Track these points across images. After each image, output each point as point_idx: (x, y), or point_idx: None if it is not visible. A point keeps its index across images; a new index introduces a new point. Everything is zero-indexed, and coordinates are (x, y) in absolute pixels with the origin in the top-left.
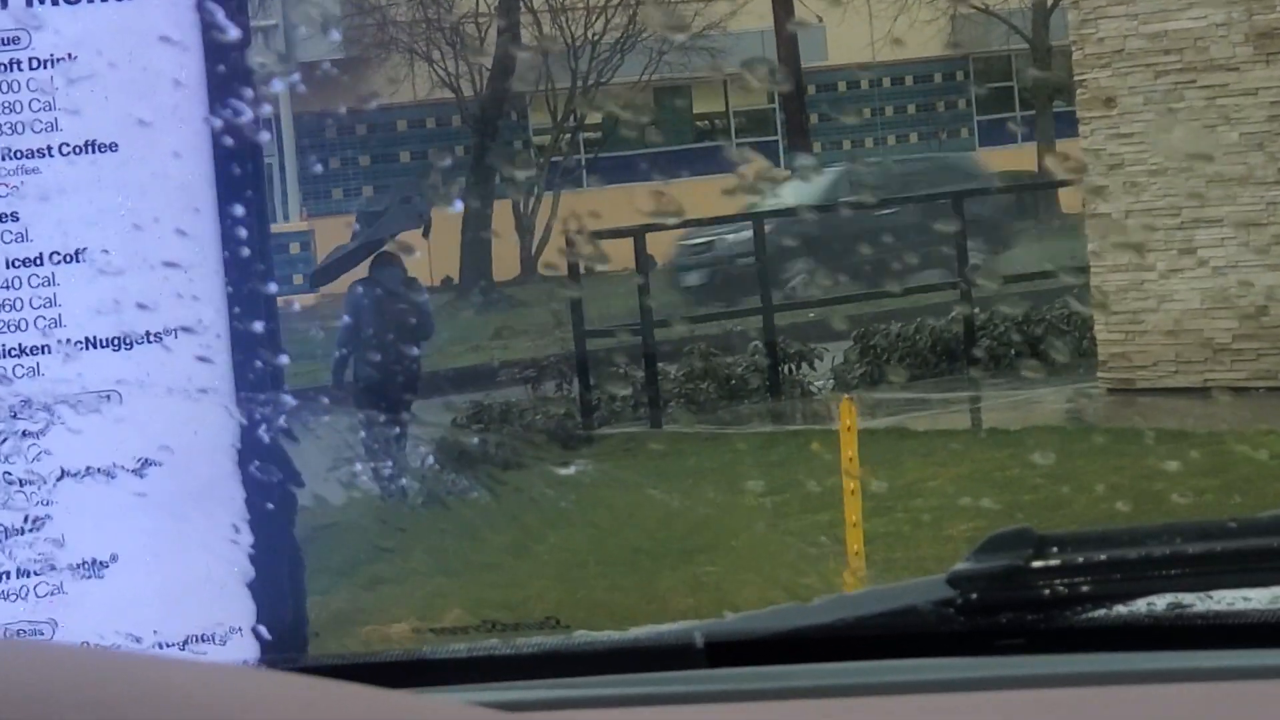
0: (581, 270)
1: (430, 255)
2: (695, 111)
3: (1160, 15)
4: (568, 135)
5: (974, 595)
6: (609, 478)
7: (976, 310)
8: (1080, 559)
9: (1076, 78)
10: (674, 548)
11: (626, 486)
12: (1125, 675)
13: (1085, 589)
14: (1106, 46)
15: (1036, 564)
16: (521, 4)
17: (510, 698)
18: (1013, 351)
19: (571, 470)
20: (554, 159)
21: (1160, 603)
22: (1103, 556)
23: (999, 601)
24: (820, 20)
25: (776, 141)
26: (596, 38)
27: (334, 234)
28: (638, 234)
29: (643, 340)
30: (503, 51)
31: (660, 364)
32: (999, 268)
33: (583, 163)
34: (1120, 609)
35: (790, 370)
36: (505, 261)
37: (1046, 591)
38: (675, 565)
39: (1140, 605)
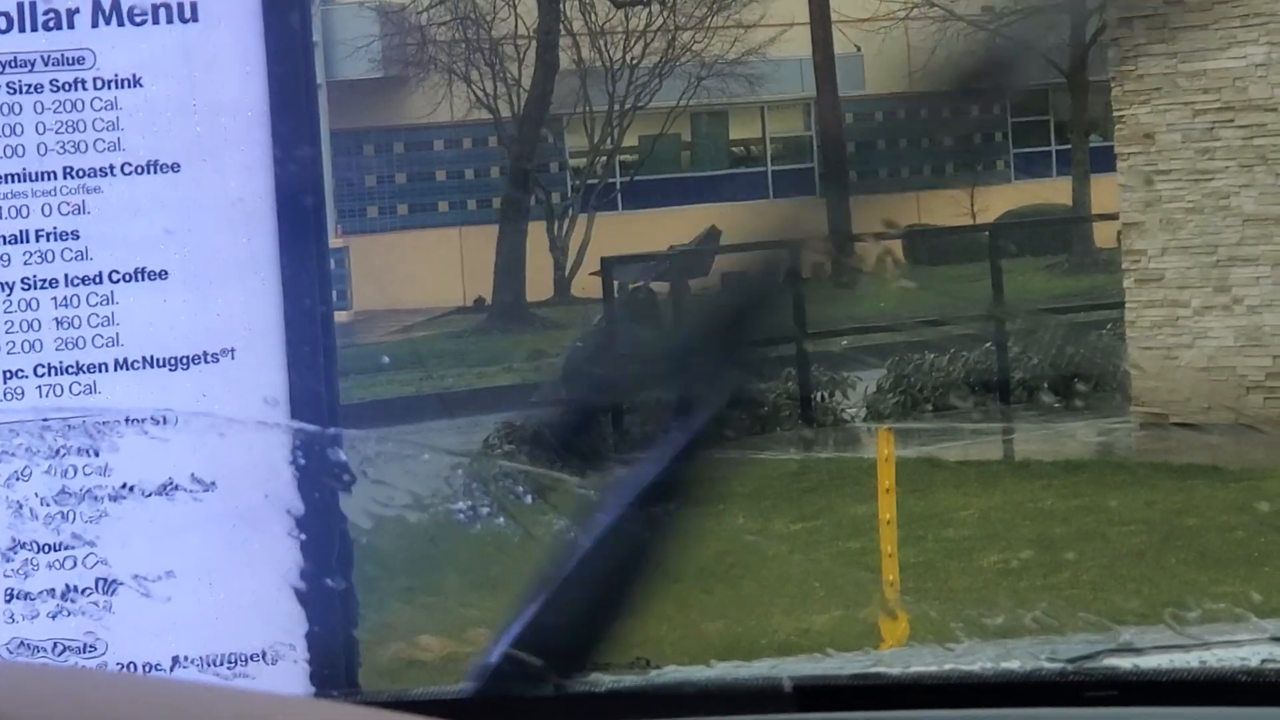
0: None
1: (464, 275)
2: (731, 137)
3: (1200, 54)
4: (604, 158)
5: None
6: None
7: (1010, 342)
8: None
9: (1115, 113)
10: (703, 574)
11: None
12: None
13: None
14: (1146, 84)
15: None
16: (561, 26)
17: None
18: (1046, 384)
19: (598, 494)
20: (589, 181)
21: (1254, 658)
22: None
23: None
24: (859, 50)
25: (812, 169)
26: (635, 61)
27: (369, 252)
28: (673, 259)
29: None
30: (540, 73)
31: None
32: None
33: (618, 186)
34: (1213, 663)
35: (823, 398)
36: (539, 283)
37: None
38: (704, 592)
39: (1233, 660)
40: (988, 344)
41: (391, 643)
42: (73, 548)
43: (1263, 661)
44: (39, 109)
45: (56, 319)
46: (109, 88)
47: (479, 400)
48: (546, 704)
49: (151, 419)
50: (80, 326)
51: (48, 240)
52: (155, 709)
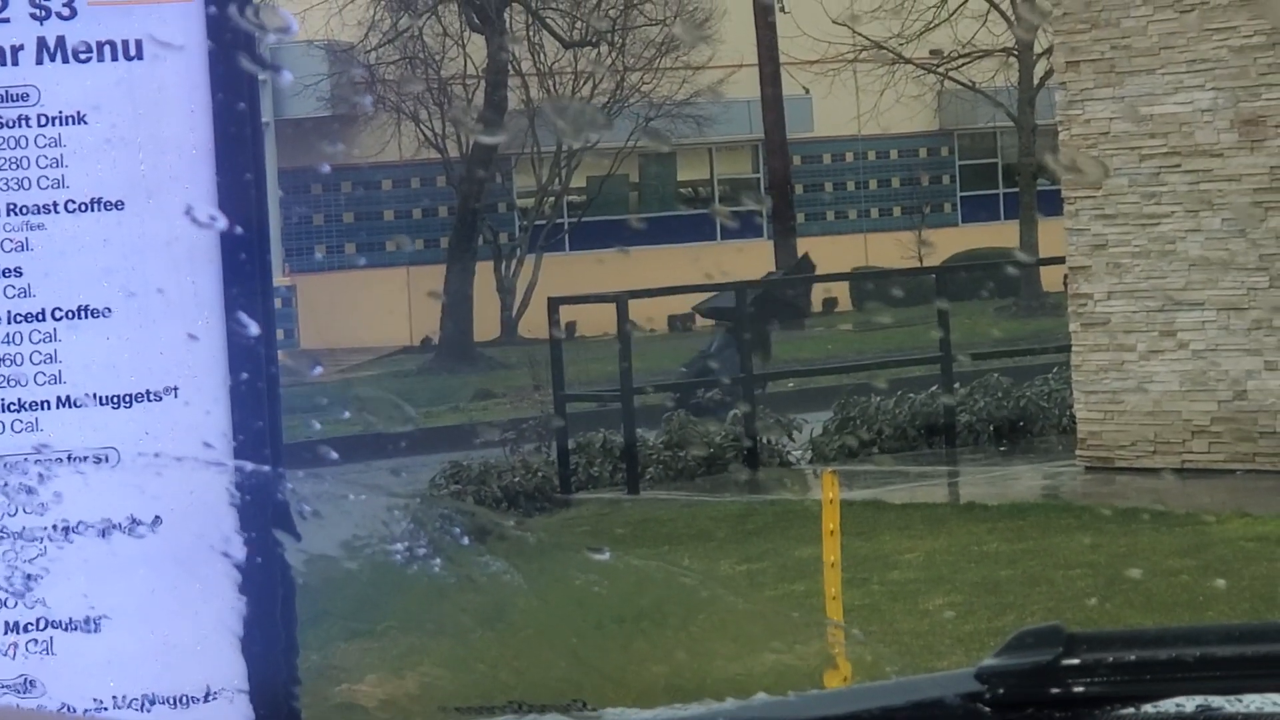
0: (563, 334)
1: (410, 314)
2: (679, 179)
3: (1147, 99)
4: (551, 199)
5: (1001, 691)
6: (582, 543)
7: (957, 385)
8: (1109, 658)
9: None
10: (642, 616)
11: (599, 552)
12: None
13: (1113, 689)
14: (1093, 128)
15: (1065, 662)
16: (509, 66)
17: None
18: (992, 427)
19: (544, 535)
20: (537, 222)
21: (1189, 704)
22: (1131, 657)
23: (1026, 698)
24: (807, 91)
25: (759, 210)
26: (584, 102)
27: (316, 290)
28: (620, 300)
29: (622, 406)
30: (489, 113)
31: (639, 429)
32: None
33: (566, 227)
34: (1148, 709)
35: (769, 440)
36: (485, 323)
37: (1074, 690)
38: (647, 635)
39: (1168, 706)
40: (933, 387)
41: (332, 684)
42: (11, 588)
43: (1197, 708)
44: None
45: None
46: (53, 124)
47: (426, 440)
48: None
49: (94, 458)
50: (23, 364)
51: None
52: None
